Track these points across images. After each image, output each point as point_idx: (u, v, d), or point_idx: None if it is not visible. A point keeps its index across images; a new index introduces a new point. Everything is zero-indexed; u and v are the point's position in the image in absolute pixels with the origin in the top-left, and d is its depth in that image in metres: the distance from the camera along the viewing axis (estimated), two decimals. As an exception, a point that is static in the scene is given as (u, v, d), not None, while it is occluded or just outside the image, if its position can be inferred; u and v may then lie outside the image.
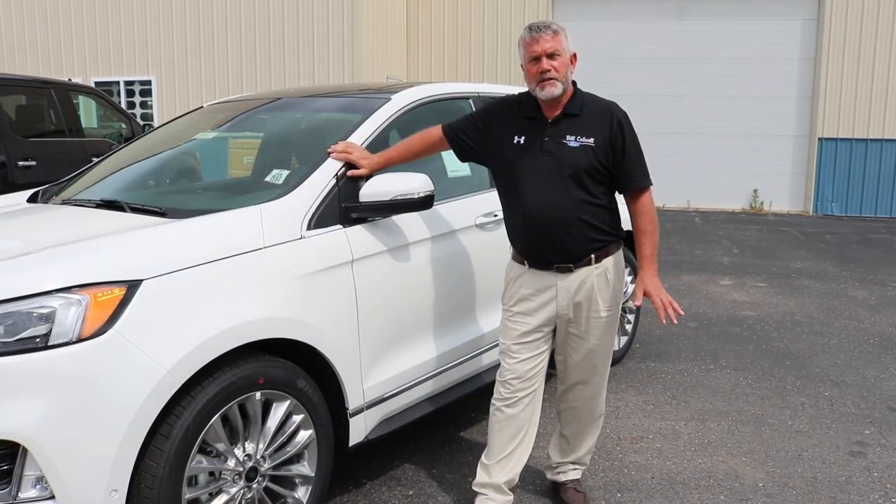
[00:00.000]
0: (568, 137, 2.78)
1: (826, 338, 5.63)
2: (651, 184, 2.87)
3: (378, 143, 3.21)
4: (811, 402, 4.35)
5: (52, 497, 2.12)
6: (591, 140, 2.77)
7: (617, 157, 2.79)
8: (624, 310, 4.85)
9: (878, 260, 8.88)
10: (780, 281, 7.62)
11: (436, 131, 3.11)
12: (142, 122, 10.18)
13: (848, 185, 13.16)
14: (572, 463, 3.21)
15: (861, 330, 5.85)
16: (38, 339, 2.12)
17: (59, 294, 2.16)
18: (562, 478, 3.21)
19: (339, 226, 2.92)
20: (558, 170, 2.76)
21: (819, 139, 13.10)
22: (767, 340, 5.55)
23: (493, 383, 3.02)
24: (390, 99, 3.42)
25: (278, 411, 2.62)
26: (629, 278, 4.85)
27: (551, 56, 2.74)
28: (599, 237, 2.85)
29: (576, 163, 2.76)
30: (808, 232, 11.10)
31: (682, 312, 2.76)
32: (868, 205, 13.16)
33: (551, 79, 2.74)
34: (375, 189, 2.95)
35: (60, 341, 2.13)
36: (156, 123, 12.55)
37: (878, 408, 4.27)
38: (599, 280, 2.87)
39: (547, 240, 2.82)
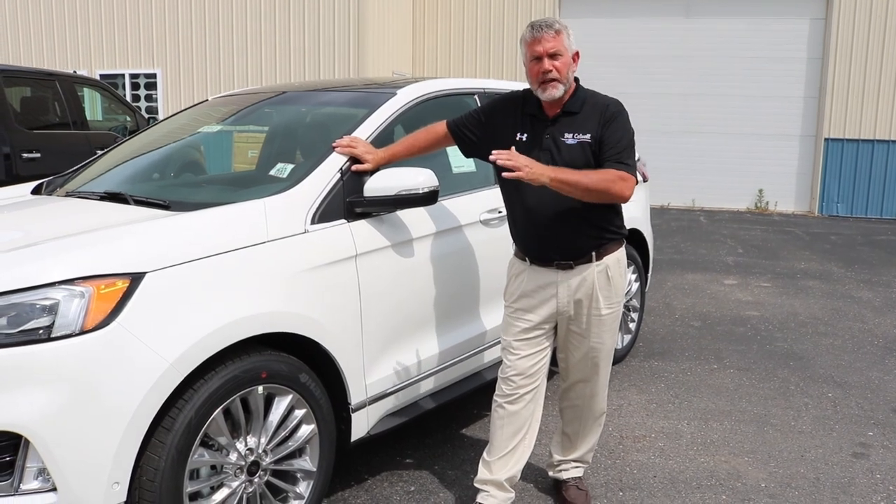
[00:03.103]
0: (566, 135, 2.78)
1: (830, 339, 5.61)
2: (627, 172, 2.69)
3: (383, 138, 3.21)
4: (815, 402, 4.34)
5: (54, 489, 2.12)
6: (588, 136, 2.76)
7: (601, 146, 2.73)
8: (627, 308, 4.84)
9: (883, 261, 8.86)
10: (784, 281, 7.60)
11: (440, 127, 3.11)
12: (146, 116, 10.19)
13: (854, 186, 13.12)
14: (574, 461, 3.20)
15: (865, 331, 5.83)
16: (41, 331, 2.12)
17: (63, 286, 2.16)
18: (563, 475, 3.20)
19: (344, 220, 2.91)
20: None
21: (825, 139, 13.05)
22: (771, 340, 5.54)
23: (495, 380, 3.02)
24: (395, 94, 3.41)
25: (280, 406, 2.62)
26: (633, 276, 4.84)
27: (553, 56, 2.74)
28: (600, 235, 2.84)
29: (574, 160, 2.75)
30: (814, 232, 11.07)
31: (513, 172, 2.49)
32: (874, 206, 13.11)
33: (553, 80, 2.74)
34: (380, 184, 2.94)
35: (63, 333, 2.13)
36: (160, 116, 12.55)
37: (882, 409, 4.25)
38: (600, 277, 2.86)
39: (547, 237, 2.82)
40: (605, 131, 2.75)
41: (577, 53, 2.83)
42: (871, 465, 3.58)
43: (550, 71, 2.73)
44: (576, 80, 2.87)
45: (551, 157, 2.77)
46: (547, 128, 2.82)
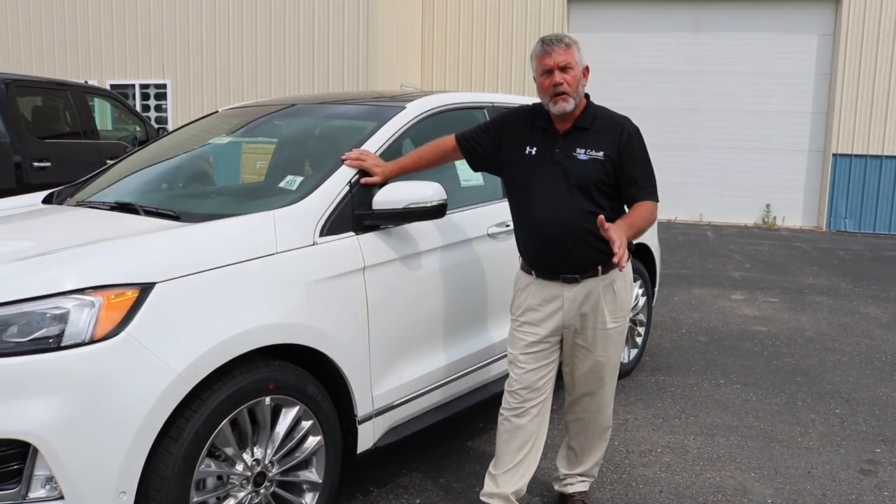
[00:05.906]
0: (578, 150, 2.80)
1: (838, 354, 5.59)
2: (657, 200, 2.85)
3: (392, 152, 3.23)
4: (822, 418, 4.32)
5: (62, 497, 2.13)
6: (601, 153, 2.78)
7: (625, 171, 2.80)
8: (634, 322, 4.84)
9: (891, 277, 8.82)
10: (791, 296, 7.58)
11: (449, 140, 3.13)
12: (156, 126, 10.26)
13: (862, 201, 13.08)
14: (580, 475, 3.19)
15: (873, 347, 5.81)
16: (51, 340, 2.13)
17: (73, 295, 2.18)
18: (569, 490, 3.20)
19: (352, 233, 2.93)
20: (567, 182, 2.78)
21: (833, 155, 13.03)
22: (778, 356, 5.52)
23: (501, 393, 3.02)
24: (405, 107, 3.43)
25: (287, 417, 2.62)
26: (639, 290, 4.84)
27: (564, 69, 2.76)
28: (607, 249, 2.84)
29: (585, 175, 2.77)
30: (821, 248, 11.04)
31: (623, 266, 2.53)
32: (882, 222, 13.07)
33: (563, 93, 2.75)
34: (388, 197, 2.95)
35: (73, 342, 2.14)
36: (170, 127, 12.62)
37: (890, 426, 4.23)
38: (606, 291, 2.86)
39: (554, 250, 2.83)
40: (625, 155, 2.79)
41: (587, 68, 2.85)
42: (878, 481, 3.56)
43: (561, 84, 2.74)
44: (586, 95, 2.89)
45: (562, 170, 2.78)
46: (558, 142, 2.84)
